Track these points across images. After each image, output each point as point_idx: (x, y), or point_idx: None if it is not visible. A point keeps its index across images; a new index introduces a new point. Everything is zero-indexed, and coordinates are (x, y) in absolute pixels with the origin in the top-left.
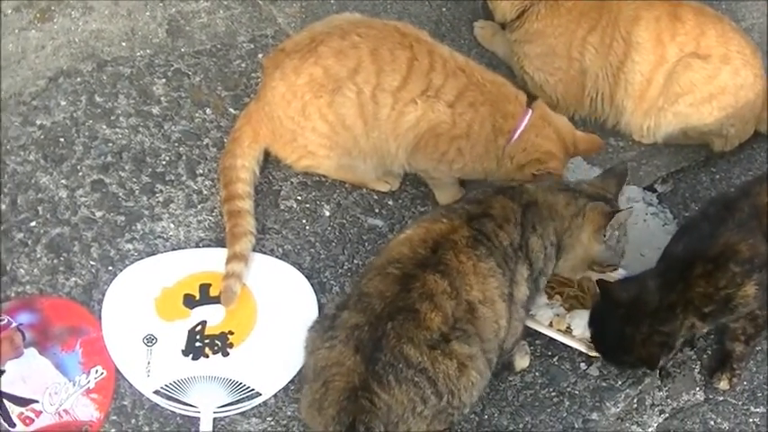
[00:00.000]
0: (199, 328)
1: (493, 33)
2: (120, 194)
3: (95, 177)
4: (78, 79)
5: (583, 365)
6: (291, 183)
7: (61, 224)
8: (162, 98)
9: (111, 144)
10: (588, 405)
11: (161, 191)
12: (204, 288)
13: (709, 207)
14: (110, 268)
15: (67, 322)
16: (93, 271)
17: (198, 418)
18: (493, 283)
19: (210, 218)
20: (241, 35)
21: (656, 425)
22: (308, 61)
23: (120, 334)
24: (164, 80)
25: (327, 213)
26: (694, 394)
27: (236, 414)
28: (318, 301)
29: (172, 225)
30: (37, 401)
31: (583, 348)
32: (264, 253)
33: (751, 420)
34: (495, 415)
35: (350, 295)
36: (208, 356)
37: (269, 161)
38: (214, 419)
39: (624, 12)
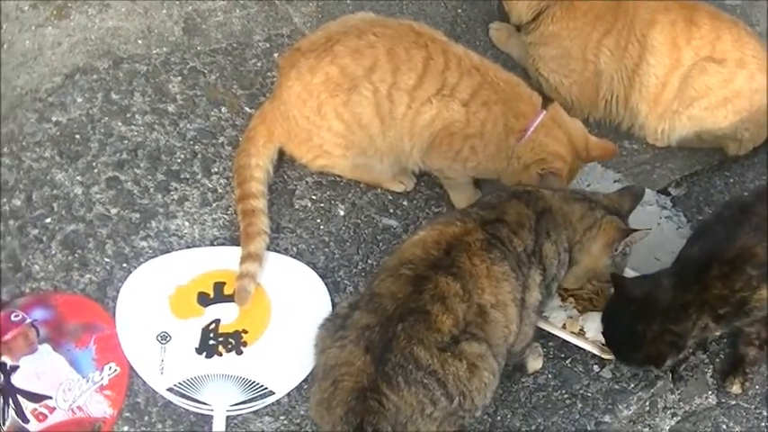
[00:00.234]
0: (213, 326)
1: (508, 35)
2: (135, 192)
3: (110, 174)
4: (94, 76)
5: (596, 368)
6: (306, 182)
7: (76, 221)
8: (178, 96)
9: (126, 141)
10: (600, 407)
11: (176, 189)
12: (218, 286)
13: (724, 210)
14: (124, 265)
15: (82, 319)
16: (108, 268)
17: (211, 416)
18: (506, 287)
19: (225, 216)
20: (257, 34)
21: (668, 428)
22: (324, 60)
23: (134, 331)
24: (179, 78)
25: (342, 213)
26: (707, 398)
27: (249, 412)
28: (332, 300)
29: (186, 223)
30: (50, 398)
31: (596, 351)
32: (279, 252)
33: (763, 425)
34: (508, 416)
35: (362, 295)
36: (221, 354)
37: (284, 160)
38: (227, 418)
39: (640, 15)
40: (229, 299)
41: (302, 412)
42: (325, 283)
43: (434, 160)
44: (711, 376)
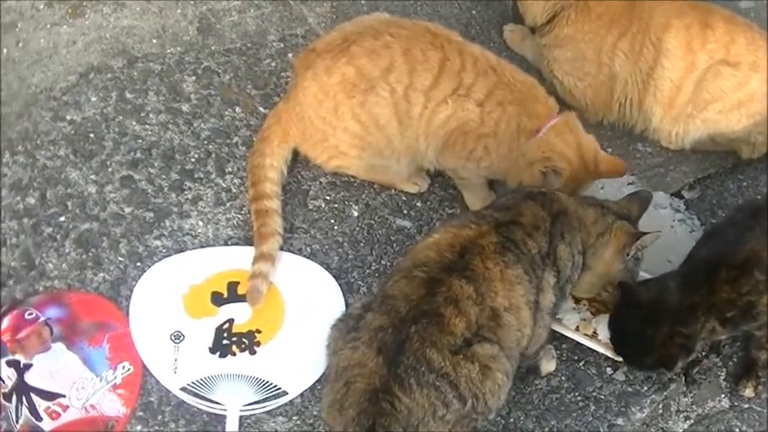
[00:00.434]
0: (226, 325)
1: (522, 37)
2: (149, 191)
3: (125, 173)
4: (109, 75)
5: (609, 370)
6: (320, 182)
7: (90, 219)
8: (192, 96)
9: (140, 140)
10: (614, 410)
11: (190, 188)
12: (232, 286)
13: (736, 214)
14: (138, 264)
15: (95, 317)
16: (122, 267)
17: (224, 416)
18: (519, 290)
19: (239, 216)
20: (271, 34)
21: (681, 431)
22: (341, 61)
23: (148, 330)
24: (194, 78)
25: (356, 214)
26: (720, 401)
27: (263, 412)
28: (346, 301)
29: (200, 222)
30: (64, 396)
31: (609, 353)
32: (292, 252)
33: None
34: (521, 418)
35: (375, 296)
36: (235, 354)
37: (298, 161)
38: (240, 417)
39: (655, 18)
40: (243, 299)
41: (315, 413)
42: (339, 284)
43: (449, 160)
44: (724, 379)
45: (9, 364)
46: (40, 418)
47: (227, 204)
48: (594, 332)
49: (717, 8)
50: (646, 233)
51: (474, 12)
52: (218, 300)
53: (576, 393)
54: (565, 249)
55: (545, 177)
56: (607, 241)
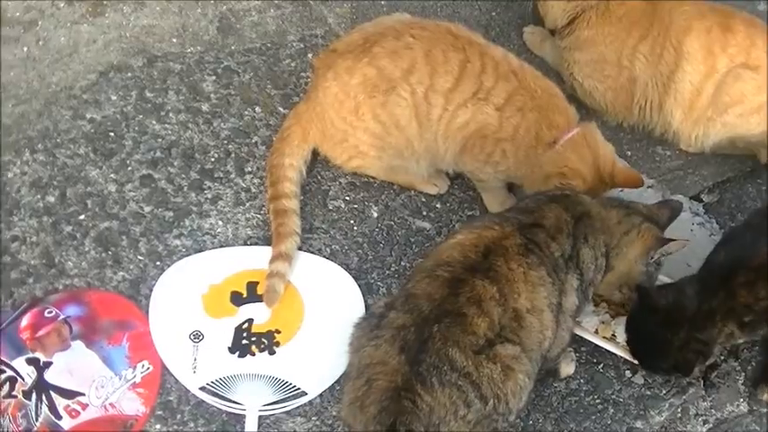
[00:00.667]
0: (246, 325)
1: (542, 39)
2: (169, 190)
3: (144, 172)
4: (129, 74)
5: (628, 373)
6: (340, 183)
7: (110, 218)
8: (211, 95)
9: (160, 140)
10: (632, 413)
11: (209, 188)
12: (251, 286)
13: (754, 217)
14: (157, 263)
15: (115, 316)
16: (141, 266)
17: (243, 416)
18: (542, 292)
19: (258, 216)
20: (291, 34)
21: None
22: (362, 61)
23: (167, 329)
24: (213, 77)
25: (375, 214)
26: (738, 405)
27: (282, 413)
28: (365, 302)
29: (220, 222)
30: (83, 394)
31: (628, 356)
32: (312, 252)
33: None
34: (540, 420)
35: (397, 295)
36: (254, 354)
37: (318, 161)
38: (259, 417)
39: (676, 21)
40: (262, 299)
41: (334, 413)
42: (358, 285)
43: (467, 162)
44: (743, 384)
45: (29, 361)
46: (59, 417)
47: (247, 204)
48: (613, 335)
49: (737, 11)
50: (673, 239)
51: (494, 13)
52: (237, 299)
53: (595, 396)
54: (588, 252)
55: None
56: (633, 240)
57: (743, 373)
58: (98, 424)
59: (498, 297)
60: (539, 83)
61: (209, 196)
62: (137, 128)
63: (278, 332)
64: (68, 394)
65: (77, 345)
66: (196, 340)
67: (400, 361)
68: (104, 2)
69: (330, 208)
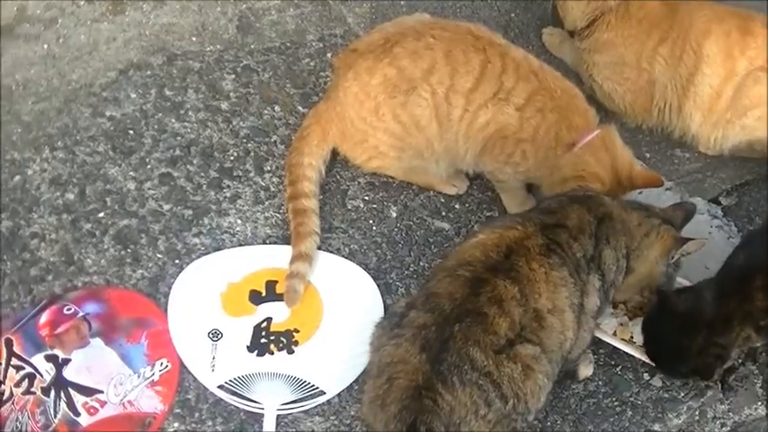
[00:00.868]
0: (264, 324)
1: (561, 41)
2: (188, 188)
3: (163, 170)
4: (148, 72)
5: (646, 376)
6: (359, 183)
7: (129, 216)
8: (231, 94)
9: (179, 138)
10: (650, 416)
11: (228, 186)
12: (270, 285)
13: None
14: (176, 261)
15: (134, 314)
16: (160, 264)
17: (261, 415)
18: (563, 292)
19: (278, 215)
20: (310, 34)
21: None
22: (383, 62)
23: (186, 328)
24: (233, 76)
25: (394, 214)
26: (756, 409)
27: (300, 412)
28: (384, 302)
29: (239, 221)
30: (102, 392)
31: (646, 358)
32: (331, 252)
33: None
34: (558, 422)
35: (418, 294)
36: (273, 353)
37: (337, 160)
38: (277, 416)
39: (696, 24)
40: (281, 297)
41: (352, 413)
42: (377, 285)
43: (487, 163)
44: (761, 387)
45: (48, 358)
46: (78, 414)
47: (266, 203)
48: (632, 337)
49: (757, 15)
50: (691, 239)
51: (513, 14)
52: (256, 298)
53: (613, 398)
54: (610, 253)
55: None
56: (653, 242)
57: (760, 377)
58: (116, 421)
59: (519, 297)
60: (559, 84)
61: (228, 195)
62: (156, 126)
63: (297, 331)
64: (87, 391)
65: (96, 342)
66: (215, 338)
67: (421, 360)
68: (124, 0)
69: (349, 207)
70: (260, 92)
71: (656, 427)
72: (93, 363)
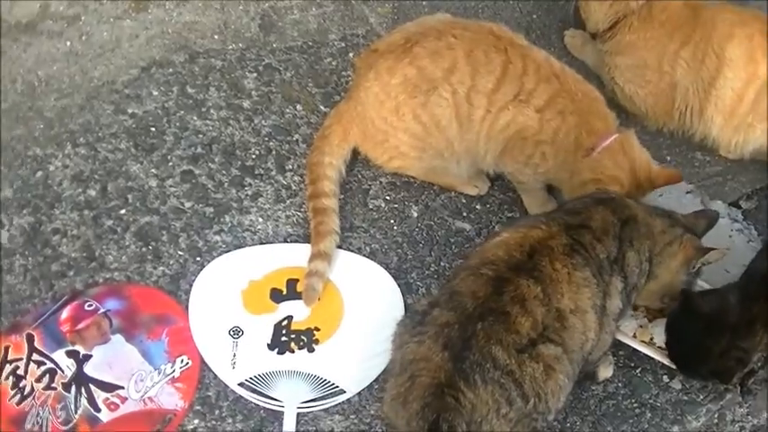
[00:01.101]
0: (285, 322)
1: (583, 43)
2: (210, 186)
3: (185, 168)
4: (170, 70)
5: (665, 378)
6: (380, 182)
7: (150, 213)
8: (253, 92)
9: (201, 136)
10: (669, 418)
11: (250, 184)
12: (291, 283)
13: None
14: (197, 259)
15: (154, 311)
16: (181, 261)
17: (281, 413)
18: (586, 293)
19: (299, 213)
20: (332, 33)
21: None
22: (403, 62)
23: (207, 325)
24: (255, 74)
25: (415, 214)
26: None
27: (320, 410)
28: (405, 301)
29: (260, 219)
30: (122, 388)
31: (665, 360)
32: (352, 251)
33: None
34: (577, 423)
35: (441, 293)
36: (293, 351)
37: (358, 160)
38: (297, 414)
39: (718, 28)
40: (302, 296)
41: (372, 412)
42: (398, 284)
43: (507, 164)
44: None
45: (69, 354)
46: (98, 409)
47: (287, 202)
48: (651, 339)
49: None
50: (713, 248)
51: (534, 16)
52: (277, 296)
53: (633, 400)
54: (633, 256)
55: None
56: (675, 252)
57: None
58: (136, 417)
59: (542, 297)
60: (580, 87)
61: (250, 193)
62: (178, 123)
63: (317, 330)
64: (107, 387)
65: (117, 338)
66: (235, 336)
67: (444, 358)
68: None
69: (370, 207)
70: (282, 91)
71: (675, 429)
72: (113, 359)
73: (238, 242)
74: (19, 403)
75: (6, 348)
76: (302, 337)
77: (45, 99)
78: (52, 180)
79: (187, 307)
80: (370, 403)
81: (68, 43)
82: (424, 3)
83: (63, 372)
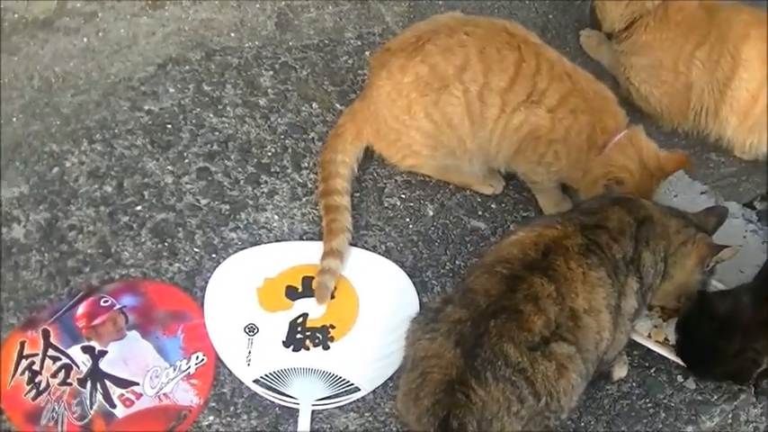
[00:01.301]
0: (300, 320)
1: (598, 43)
2: (226, 183)
3: (201, 165)
4: (187, 67)
5: (679, 378)
6: (395, 180)
7: (166, 210)
8: (269, 90)
9: (217, 133)
10: (684, 418)
11: (266, 182)
12: (307, 281)
13: None
14: (213, 256)
15: (170, 307)
16: (197, 258)
17: (296, 410)
18: (601, 293)
19: (314, 211)
20: (348, 32)
21: None
22: (415, 60)
23: (222, 322)
24: (271, 72)
25: (431, 213)
26: None
27: (335, 408)
28: (420, 299)
29: (276, 216)
30: (138, 384)
31: (680, 360)
32: (367, 249)
33: None
34: (592, 423)
35: (455, 290)
36: (308, 349)
37: (373, 158)
38: (312, 412)
39: (733, 29)
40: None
41: (387, 410)
42: (413, 282)
43: (520, 164)
44: None
45: (84, 350)
46: (113, 405)
47: (303, 199)
48: (666, 339)
49: None
50: (726, 246)
51: (551, 16)
52: (292, 294)
53: (647, 400)
54: (649, 256)
55: (607, 189)
56: (689, 252)
57: None
58: (152, 414)
59: (556, 296)
60: (592, 86)
61: (266, 190)
62: (194, 121)
63: (332, 327)
64: (123, 383)
65: (133, 334)
66: (251, 333)
67: (455, 354)
68: None
69: (386, 205)
70: (298, 89)
71: (689, 429)
72: (129, 355)
73: (254, 239)
74: (35, 398)
75: (22, 344)
76: (317, 335)
77: (62, 95)
78: (68, 176)
79: (203, 304)
80: (384, 401)
81: (85, 40)
82: (440, 2)
83: (78, 367)
